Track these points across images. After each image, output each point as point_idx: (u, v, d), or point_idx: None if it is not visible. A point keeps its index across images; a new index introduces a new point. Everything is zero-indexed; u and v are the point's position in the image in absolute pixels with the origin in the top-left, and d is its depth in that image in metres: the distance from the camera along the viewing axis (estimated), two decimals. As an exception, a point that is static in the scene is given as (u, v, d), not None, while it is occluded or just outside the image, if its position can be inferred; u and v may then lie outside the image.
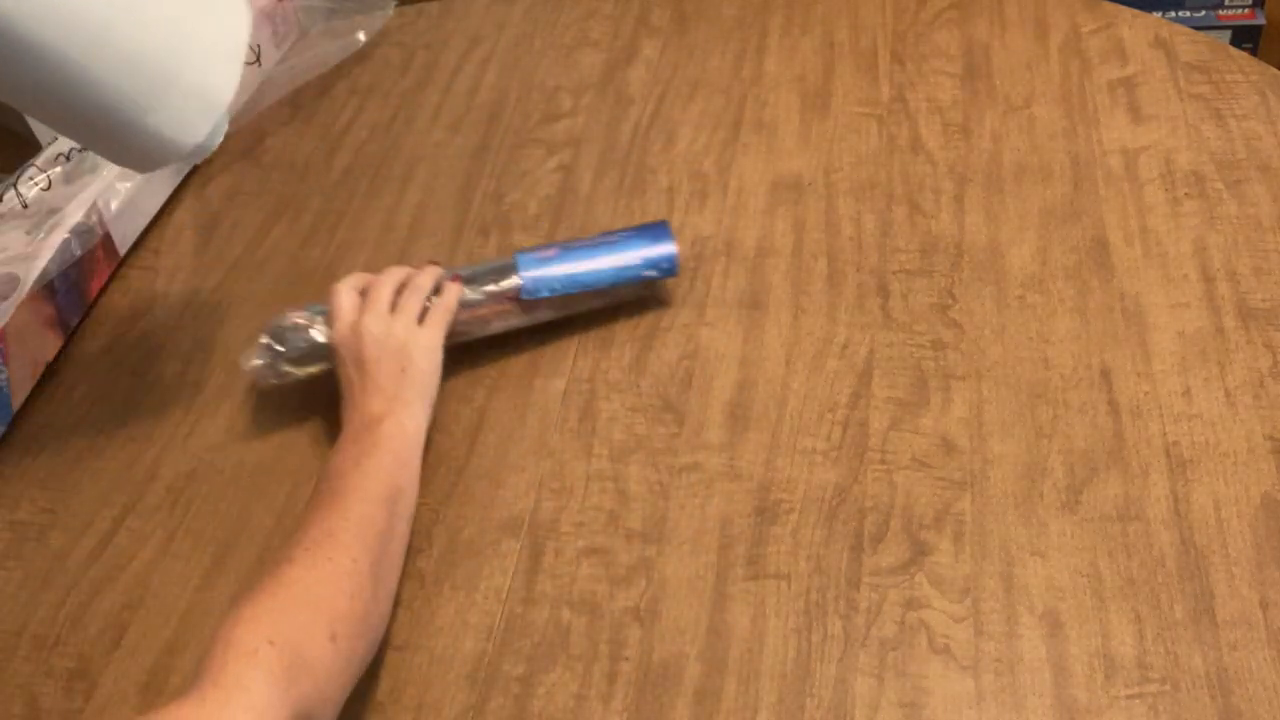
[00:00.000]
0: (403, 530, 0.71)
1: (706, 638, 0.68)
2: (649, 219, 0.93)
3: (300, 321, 0.81)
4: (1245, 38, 1.67)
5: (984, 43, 1.03)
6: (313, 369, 0.81)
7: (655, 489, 0.76)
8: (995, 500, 0.72)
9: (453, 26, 1.17)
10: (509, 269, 0.83)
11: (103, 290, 0.97)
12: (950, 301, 0.83)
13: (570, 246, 0.84)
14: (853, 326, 0.82)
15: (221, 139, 0.73)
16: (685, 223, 0.92)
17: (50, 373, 0.91)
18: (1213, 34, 1.45)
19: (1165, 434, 0.73)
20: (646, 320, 0.85)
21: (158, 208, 1.02)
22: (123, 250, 0.98)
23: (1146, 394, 0.75)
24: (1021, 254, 0.85)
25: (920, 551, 0.70)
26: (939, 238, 0.87)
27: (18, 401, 0.87)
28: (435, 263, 0.84)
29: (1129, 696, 0.62)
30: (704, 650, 0.67)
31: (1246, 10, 1.67)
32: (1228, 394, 0.75)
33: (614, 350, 0.84)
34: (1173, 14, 1.67)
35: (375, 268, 0.93)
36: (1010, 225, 0.87)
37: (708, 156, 0.97)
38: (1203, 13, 1.67)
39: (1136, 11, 1.03)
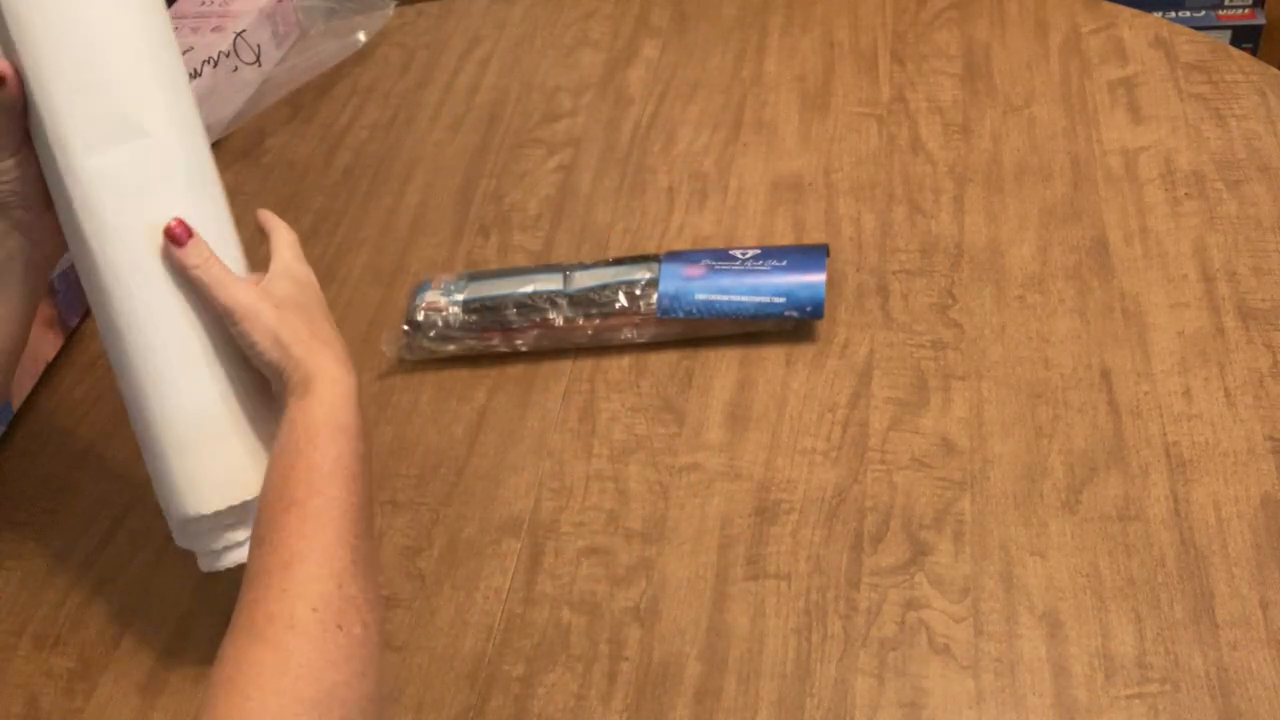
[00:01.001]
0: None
1: (706, 638, 0.68)
2: (649, 219, 0.93)
3: (439, 304, 0.84)
4: (1245, 38, 1.67)
5: (984, 43, 1.03)
6: (450, 348, 0.84)
7: (655, 489, 0.76)
8: (995, 500, 0.72)
9: (453, 26, 1.17)
10: (652, 280, 0.82)
11: (103, 290, 0.97)
12: (950, 301, 0.83)
13: (718, 268, 0.82)
14: (852, 326, 0.82)
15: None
16: (685, 223, 0.92)
17: (50, 373, 0.91)
18: (1213, 34, 1.45)
19: (1165, 434, 0.73)
20: (646, 320, 0.85)
21: (158, 208, 1.02)
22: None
23: (1146, 394, 0.75)
24: (1021, 254, 0.85)
25: (920, 551, 0.70)
26: (939, 238, 0.87)
27: (18, 401, 0.87)
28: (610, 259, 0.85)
29: (1129, 696, 0.62)
30: (704, 650, 0.67)
31: (1246, 10, 1.67)
32: (1228, 394, 0.75)
33: (614, 350, 0.84)
34: (1173, 14, 1.67)
35: (375, 267, 0.94)
36: (1010, 225, 0.87)
37: (708, 156, 0.97)
38: (1203, 13, 1.67)
39: (1136, 11, 1.03)
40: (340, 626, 0.52)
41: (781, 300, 0.80)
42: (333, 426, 0.59)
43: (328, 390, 0.60)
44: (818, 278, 0.81)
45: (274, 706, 0.49)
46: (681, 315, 0.81)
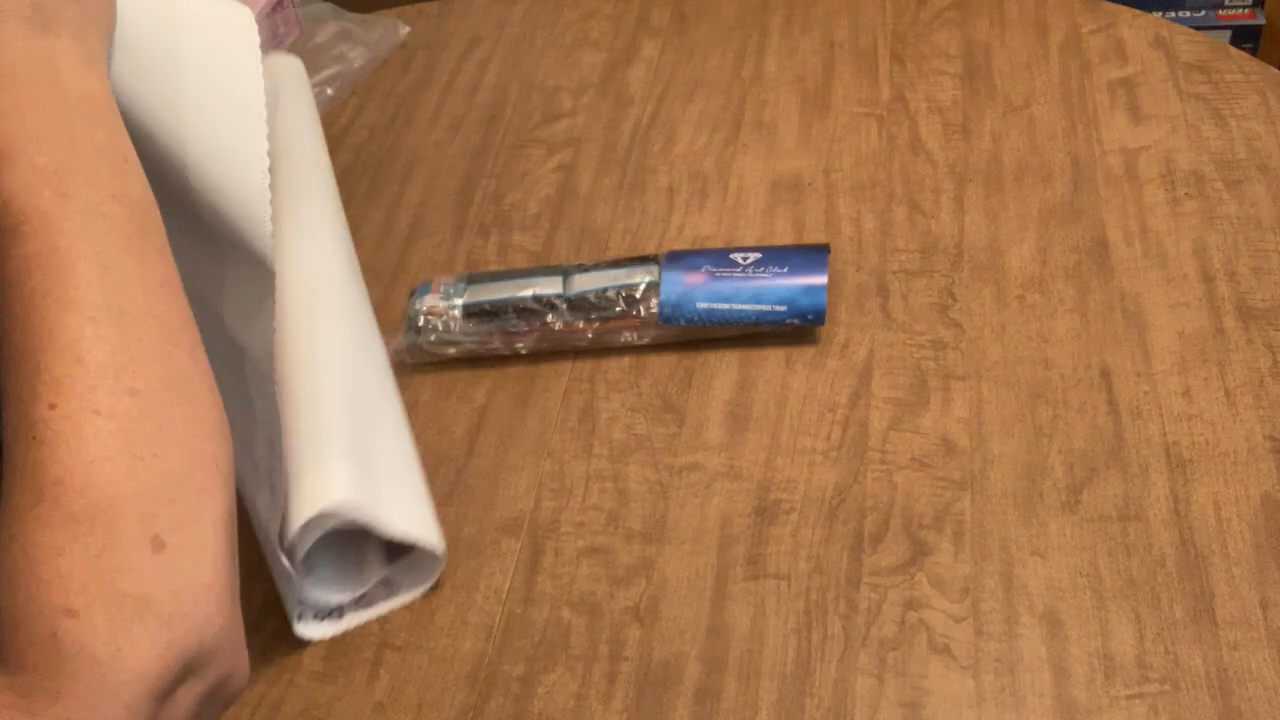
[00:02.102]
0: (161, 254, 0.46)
1: (706, 638, 0.68)
2: (649, 219, 0.93)
3: (439, 308, 0.84)
4: (1245, 38, 1.67)
5: (984, 43, 1.03)
6: (450, 350, 0.84)
7: (655, 489, 0.76)
8: (995, 500, 0.72)
9: (453, 26, 1.17)
10: (652, 283, 0.82)
11: (103, 290, 0.97)
12: (950, 301, 0.83)
13: (719, 274, 0.82)
14: (852, 326, 0.82)
15: None
16: (685, 223, 0.92)
17: (50, 373, 0.91)
18: (1213, 34, 1.45)
19: (1165, 434, 0.73)
20: (646, 320, 0.85)
21: (158, 208, 1.02)
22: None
23: (1146, 394, 0.75)
24: (1021, 254, 0.85)
25: (920, 551, 0.70)
26: (939, 238, 0.87)
27: (18, 401, 0.87)
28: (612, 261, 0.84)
29: (1129, 696, 0.63)
30: (704, 650, 0.67)
31: (1246, 10, 1.67)
32: (1228, 394, 0.75)
33: (614, 350, 0.84)
34: (1173, 14, 1.67)
35: (375, 268, 0.94)
36: (1010, 225, 0.87)
37: (708, 156, 0.97)
38: (1203, 13, 1.67)
39: (1136, 11, 1.03)
40: (155, 454, 0.42)
41: (783, 309, 0.80)
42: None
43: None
44: (820, 283, 0.81)
45: (41, 549, 0.40)
46: (683, 324, 0.81)
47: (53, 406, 0.41)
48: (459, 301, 0.84)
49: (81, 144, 0.45)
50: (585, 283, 0.83)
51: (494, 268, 0.91)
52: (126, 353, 0.43)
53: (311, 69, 1.14)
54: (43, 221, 0.43)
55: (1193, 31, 1.00)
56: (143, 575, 0.41)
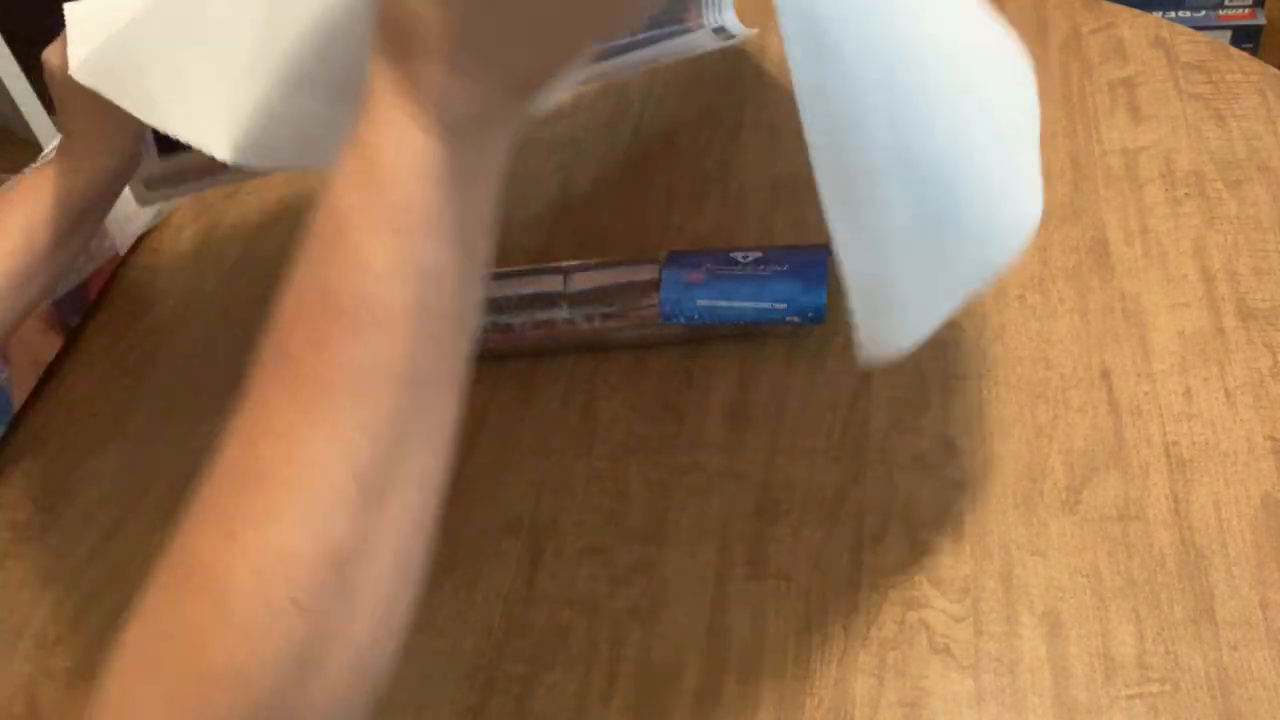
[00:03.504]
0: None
1: (706, 638, 0.68)
2: (650, 219, 0.93)
3: None
4: (1245, 38, 1.68)
5: (984, 43, 1.03)
6: None
7: (655, 489, 0.76)
8: (995, 500, 0.72)
9: (453, 26, 1.17)
10: (652, 281, 0.82)
11: (103, 290, 0.97)
12: (950, 301, 0.83)
13: (720, 272, 0.82)
14: (853, 326, 0.82)
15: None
16: (685, 223, 0.92)
17: (50, 373, 0.91)
18: (1213, 34, 1.45)
19: (1165, 434, 0.73)
20: (646, 320, 0.85)
21: (158, 208, 1.02)
22: (123, 250, 0.98)
23: (1146, 394, 0.75)
24: (1021, 254, 0.85)
25: (920, 551, 0.70)
26: (939, 238, 0.87)
27: (18, 401, 0.87)
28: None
29: (1129, 696, 0.63)
30: (704, 650, 0.67)
31: (1246, 10, 1.67)
32: (1228, 394, 0.75)
33: (614, 350, 0.84)
34: (1173, 14, 1.68)
35: (375, 268, 0.94)
36: (1010, 225, 0.87)
37: (708, 156, 0.97)
38: (1203, 13, 1.67)
39: (1136, 11, 1.03)
40: (355, 587, 0.33)
41: (783, 306, 0.80)
42: (372, 214, 0.35)
43: (377, 136, 0.35)
44: (820, 283, 0.81)
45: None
46: (683, 321, 0.81)
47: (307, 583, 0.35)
48: None
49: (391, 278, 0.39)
50: (585, 280, 0.83)
51: (494, 268, 0.91)
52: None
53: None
54: (380, 329, 0.39)
55: (1193, 31, 1.00)
56: None
